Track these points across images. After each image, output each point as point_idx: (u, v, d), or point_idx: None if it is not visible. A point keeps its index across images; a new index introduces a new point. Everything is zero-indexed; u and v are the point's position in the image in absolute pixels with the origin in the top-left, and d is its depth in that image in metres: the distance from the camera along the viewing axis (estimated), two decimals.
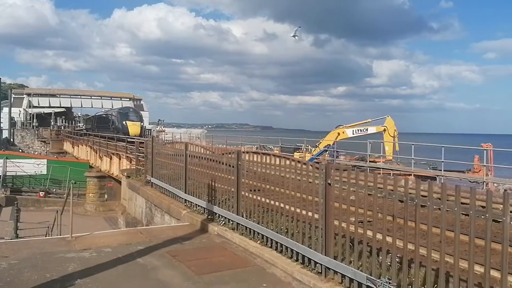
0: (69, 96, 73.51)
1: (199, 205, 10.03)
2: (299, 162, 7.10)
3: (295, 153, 29.81)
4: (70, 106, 74.47)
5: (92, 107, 72.37)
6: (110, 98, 73.78)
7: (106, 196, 32.72)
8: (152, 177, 13.45)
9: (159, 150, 13.13)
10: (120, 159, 28.39)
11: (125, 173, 17.76)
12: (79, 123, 75.34)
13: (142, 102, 76.97)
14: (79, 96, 74.15)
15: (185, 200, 10.75)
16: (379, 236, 5.16)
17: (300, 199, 6.63)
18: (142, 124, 38.56)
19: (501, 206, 3.91)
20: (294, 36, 54.43)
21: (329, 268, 5.77)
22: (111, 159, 31.01)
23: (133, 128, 35.90)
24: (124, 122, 36.50)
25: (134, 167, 17.75)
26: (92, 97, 74.39)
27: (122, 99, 74.62)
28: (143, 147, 16.07)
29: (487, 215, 3.93)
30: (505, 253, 3.82)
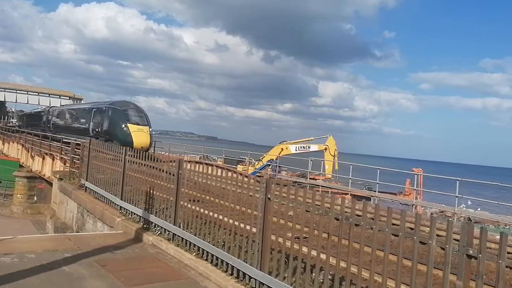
0: (3, 89, 68.82)
1: (135, 213, 9.70)
2: (241, 174, 7.11)
3: (238, 165, 29.90)
4: (3, 100, 69.79)
5: (28, 103, 68.20)
6: (48, 95, 70.05)
7: (35, 198, 30.69)
8: (86, 181, 12.85)
9: (96, 153, 12.59)
10: (53, 159, 26.89)
11: (58, 175, 16.83)
12: (12, 118, 70.66)
13: (83, 102, 73.88)
14: (14, 91, 69.66)
15: (121, 207, 10.34)
16: (313, 252, 5.24)
17: (240, 212, 6.61)
18: (151, 130, 24.51)
19: (428, 228, 4.11)
20: None
21: (263, 283, 5.75)
22: (43, 159, 29.28)
23: (140, 136, 22.89)
24: (123, 126, 23.19)
25: (68, 169, 16.93)
26: (29, 92, 70.21)
27: (61, 97, 71.11)
28: (79, 149, 15.36)
29: (415, 237, 4.12)
30: (430, 275, 4.00)
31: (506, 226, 18.08)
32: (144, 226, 9.12)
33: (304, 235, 5.53)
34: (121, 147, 11.16)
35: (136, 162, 10.07)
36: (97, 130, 25.29)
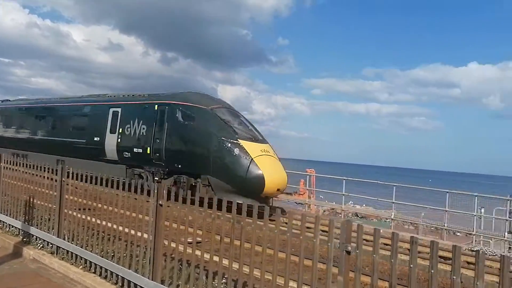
0: None
1: (13, 226, 8.77)
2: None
3: None
4: None
5: None
6: None
7: None
8: None
9: None
10: None
11: None
12: None
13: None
14: None
15: None
16: (207, 256, 5.20)
17: (131, 219, 6.31)
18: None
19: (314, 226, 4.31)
20: None
21: None
22: None
23: (272, 167, 12.24)
24: (231, 146, 12.07)
25: None
26: None
27: None
28: None
29: (301, 236, 4.29)
30: (315, 270, 4.20)
31: (387, 219, 19.94)
32: (24, 239, 8.28)
33: (199, 239, 5.46)
34: None
35: (14, 168, 9.11)
36: (140, 150, 13.77)
